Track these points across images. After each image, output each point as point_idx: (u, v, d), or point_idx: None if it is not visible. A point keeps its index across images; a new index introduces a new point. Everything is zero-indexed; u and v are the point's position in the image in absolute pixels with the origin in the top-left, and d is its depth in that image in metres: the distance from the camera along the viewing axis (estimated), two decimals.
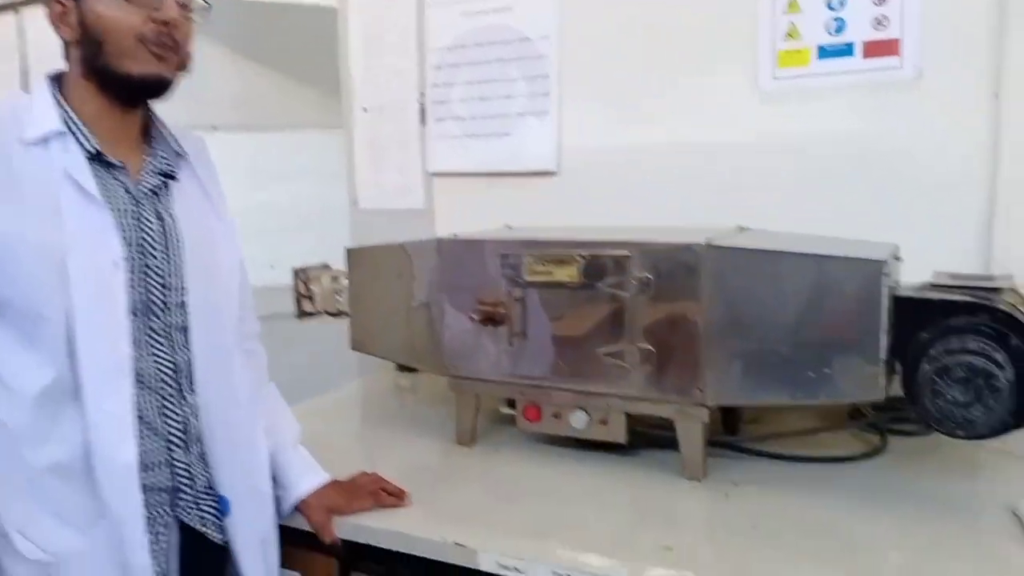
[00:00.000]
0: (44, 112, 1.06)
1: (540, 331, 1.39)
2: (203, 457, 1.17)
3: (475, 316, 1.42)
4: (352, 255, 1.71)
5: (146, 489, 1.09)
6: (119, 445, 1.05)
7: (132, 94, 1.11)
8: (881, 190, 1.59)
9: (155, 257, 1.11)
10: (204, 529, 1.16)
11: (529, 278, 1.38)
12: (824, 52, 1.63)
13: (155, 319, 1.11)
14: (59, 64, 1.12)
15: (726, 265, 1.24)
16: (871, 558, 1.07)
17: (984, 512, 1.17)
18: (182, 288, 1.13)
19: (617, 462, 1.39)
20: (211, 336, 1.16)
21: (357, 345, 1.71)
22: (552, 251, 1.36)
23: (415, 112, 2.08)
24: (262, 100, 2.91)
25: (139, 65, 1.06)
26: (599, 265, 1.32)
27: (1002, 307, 1.14)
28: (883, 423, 1.46)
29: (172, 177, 1.16)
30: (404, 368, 2.01)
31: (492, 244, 1.43)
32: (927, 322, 1.18)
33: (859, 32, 1.60)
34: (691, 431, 1.30)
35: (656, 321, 1.29)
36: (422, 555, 1.17)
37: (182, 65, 1.12)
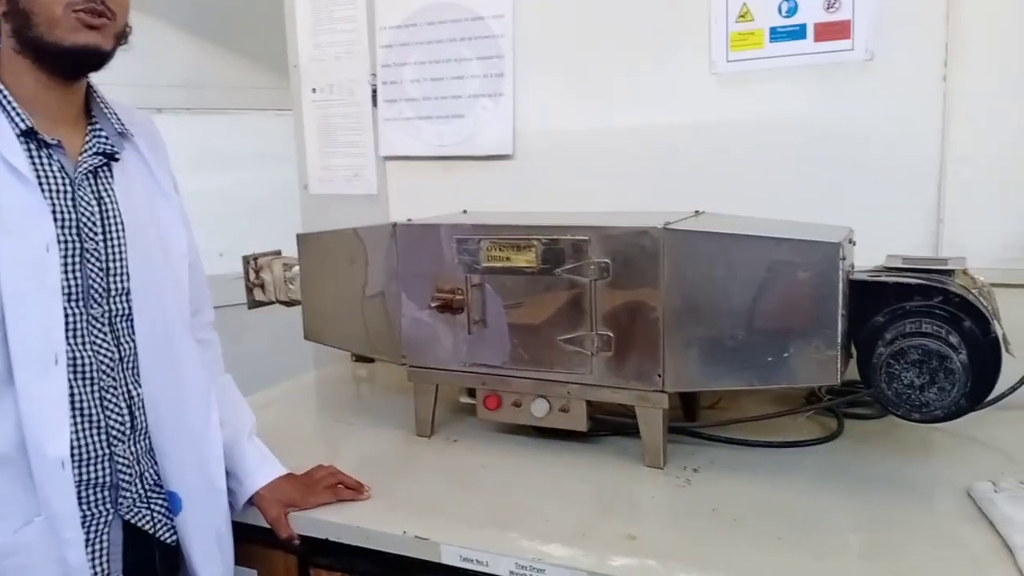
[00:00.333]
0: None
1: (499, 318, 1.37)
2: (150, 452, 1.13)
3: (432, 303, 1.39)
4: (303, 241, 1.67)
5: (83, 484, 1.05)
6: (51, 437, 1.00)
7: (67, 67, 1.06)
8: (835, 173, 1.60)
9: (93, 241, 1.06)
10: (151, 528, 1.13)
11: (487, 264, 1.36)
12: (776, 34, 1.63)
13: (96, 306, 1.07)
14: None
15: (683, 249, 1.23)
16: (831, 540, 1.08)
17: (940, 493, 1.18)
18: (124, 274, 1.09)
19: (578, 450, 1.39)
20: (157, 324, 1.12)
21: (310, 334, 1.67)
22: (510, 236, 1.35)
23: (367, 93, 2.03)
24: (210, 80, 2.83)
25: (71, 35, 1.01)
26: (557, 250, 1.31)
27: (955, 290, 1.16)
28: (839, 407, 1.48)
29: (114, 158, 1.11)
30: (361, 358, 1.98)
31: (448, 229, 1.41)
32: (882, 305, 1.19)
33: (811, 14, 1.60)
34: (651, 417, 1.30)
35: (615, 307, 1.28)
36: (383, 550, 1.15)
37: (120, 35, 1.07)
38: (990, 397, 1.16)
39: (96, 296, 1.07)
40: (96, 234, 1.07)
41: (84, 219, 1.06)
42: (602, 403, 1.34)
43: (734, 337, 1.21)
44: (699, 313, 1.23)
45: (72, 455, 1.03)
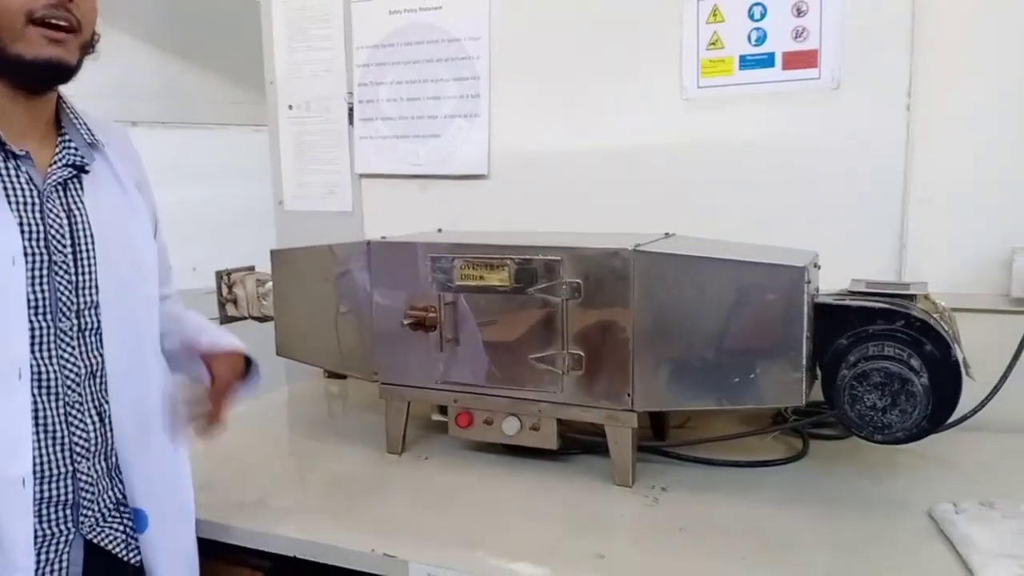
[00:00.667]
0: None
1: (471, 336, 1.38)
2: (117, 469, 1.11)
3: (405, 321, 1.40)
4: (277, 257, 1.67)
5: (43, 503, 1.02)
6: (12, 454, 0.98)
7: (31, 80, 1.03)
8: (801, 198, 1.63)
9: (62, 253, 1.04)
10: (113, 548, 1.10)
11: (460, 282, 1.37)
12: (746, 62, 1.67)
13: (64, 319, 1.04)
14: None
15: (653, 271, 1.25)
16: (796, 558, 1.10)
17: (903, 514, 1.20)
18: (93, 287, 1.07)
19: (548, 469, 1.39)
20: (127, 338, 1.11)
21: (282, 350, 1.67)
22: (484, 255, 1.36)
23: (343, 111, 2.04)
24: (184, 95, 2.82)
25: (32, 48, 0.98)
26: (530, 270, 1.32)
27: (917, 314, 1.19)
28: (804, 427, 1.50)
29: (84, 170, 1.09)
30: (333, 374, 1.98)
31: (423, 247, 1.41)
32: (846, 328, 1.22)
33: (780, 43, 1.64)
34: (621, 436, 1.31)
35: (586, 326, 1.30)
36: (351, 567, 1.15)
37: (86, 46, 1.05)
38: (951, 419, 1.19)
39: (64, 309, 1.05)
40: (65, 247, 1.05)
41: (52, 231, 1.04)
42: (572, 421, 1.35)
43: (702, 358, 1.23)
44: (668, 334, 1.25)
45: (34, 472, 1.01)
